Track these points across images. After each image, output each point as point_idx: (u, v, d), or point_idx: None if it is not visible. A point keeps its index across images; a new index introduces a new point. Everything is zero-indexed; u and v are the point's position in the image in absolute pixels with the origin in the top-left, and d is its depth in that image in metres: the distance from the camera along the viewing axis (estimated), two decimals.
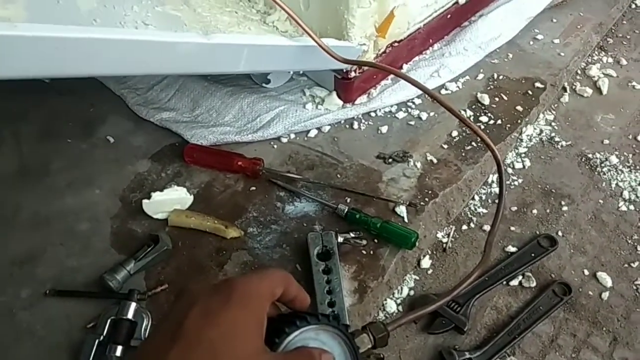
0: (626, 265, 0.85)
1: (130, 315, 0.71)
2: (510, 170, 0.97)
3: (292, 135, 0.96)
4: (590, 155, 0.99)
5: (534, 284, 0.82)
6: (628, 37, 1.25)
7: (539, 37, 1.17)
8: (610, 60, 1.19)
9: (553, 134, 1.03)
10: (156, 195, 0.83)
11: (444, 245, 0.87)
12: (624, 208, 0.92)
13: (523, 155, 1.00)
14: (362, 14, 0.85)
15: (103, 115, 1.00)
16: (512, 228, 0.89)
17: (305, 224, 0.83)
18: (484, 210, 0.91)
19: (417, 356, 0.74)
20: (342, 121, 0.98)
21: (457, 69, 1.06)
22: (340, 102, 0.98)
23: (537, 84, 1.06)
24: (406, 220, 0.83)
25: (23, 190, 0.88)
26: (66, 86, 1.04)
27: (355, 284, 0.77)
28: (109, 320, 0.71)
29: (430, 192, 0.87)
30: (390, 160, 0.92)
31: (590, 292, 0.81)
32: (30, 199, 0.87)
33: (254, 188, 0.88)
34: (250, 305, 0.35)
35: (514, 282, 0.82)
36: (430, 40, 1.09)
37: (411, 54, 1.07)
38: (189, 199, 0.86)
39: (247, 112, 0.97)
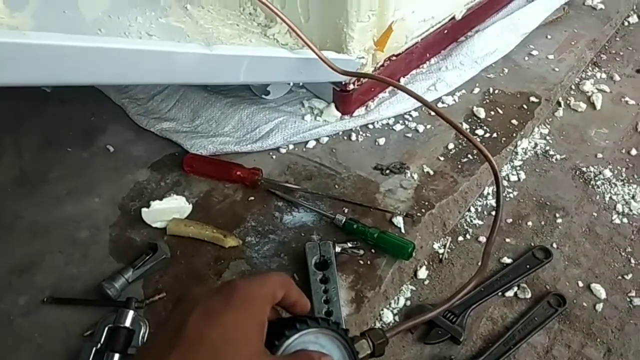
0: (620, 277, 0.85)
1: (127, 323, 0.71)
2: (505, 183, 0.99)
3: (291, 146, 0.97)
4: (584, 169, 1.01)
5: (529, 295, 0.82)
6: (621, 53, 1.27)
7: (534, 52, 1.19)
8: (604, 76, 1.21)
9: (548, 148, 1.05)
10: (155, 204, 0.84)
11: (440, 256, 0.88)
12: (617, 221, 0.93)
13: (518, 168, 1.01)
14: (361, 27, 0.87)
15: (103, 124, 1.01)
16: (508, 240, 0.90)
17: (303, 234, 0.84)
18: (480, 222, 0.92)
19: None
20: (340, 133, 1.00)
21: (453, 82, 1.08)
22: (339, 114, 1.00)
23: (532, 99, 1.08)
24: (403, 231, 0.84)
25: (23, 198, 0.89)
26: (67, 95, 1.06)
27: (353, 294, 0.77)
28: (106, 328, 0.71)
29: (426, 203, 0.88)
30: (387, 171, 0.93)
31: (585, 304, 0.82)
32: (29, 207, 0.88)
33: (252, 198, 0.89)
34: (251, 308, 0.36)
35: (509, 293, 0.83)
36: (428, 55, 1.11)
37: (408, 68, 1.09)
38: (188, 208, 0.86)
39: (246, 122, 0.98)
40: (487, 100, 1.07)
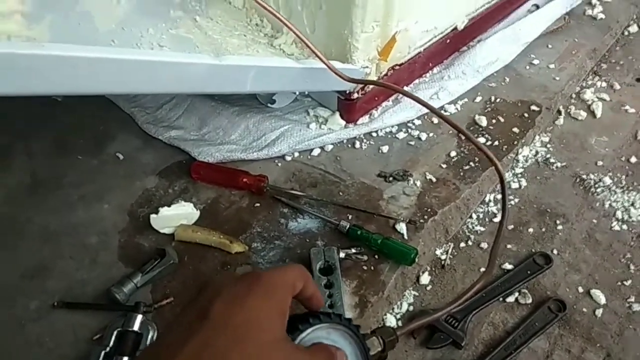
0: (619, 283, 0.87)
1: (136, 327, 0.73)
2: (506, 190, 1.00)
3: (296, 154, 0.99)
4: (584, 176, 1.02)
5: (529, 301, 0.84)
6: (621, 62, 1.29)
7: (535, 62, 1.21)
8: (604, 84, 1.23)
9: (548, 156, 1.06)
10: (164, 211, 0.86)
11: (443, 262, 0.89)
12: (617, 228, 0.94)
13: (519, 175, 1.03)
14: (365, 38, 0.89)
15: (113, 132, 1.03)
16: (509, 246, 0.91)
17: (307, 240, 0.86)
18: (482, 229, 0.94)
19: None
20: (345, 141, 1.02)
21: (455, 91, 1.10)
22: (343, 122, 1.02)
23: (533, 107, 1.10)
24: (406, 237, 0.86)
25: (34, 204, 0.91)
26: (77, 104, 1.08)
27: (356, 299, 0.79)
28: (115, 332, 0.73)
29: (429, 210, 0.90)
30: (390, 178, 0.95)
31: (585, 309, 0.83)
32: (40, 212, 0.90)
33: (258, 204, 0.91)
34: (273, 296, 0.37)
35: (510, 299, 0.84)
36: (430, 64, 1.13)
37: (411, 77, 1.11)
38: (196, 214, 0.88)
39: (252, 131, 1.00)
40: (489, 109, 1.09)
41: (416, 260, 0.82)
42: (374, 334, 0.47)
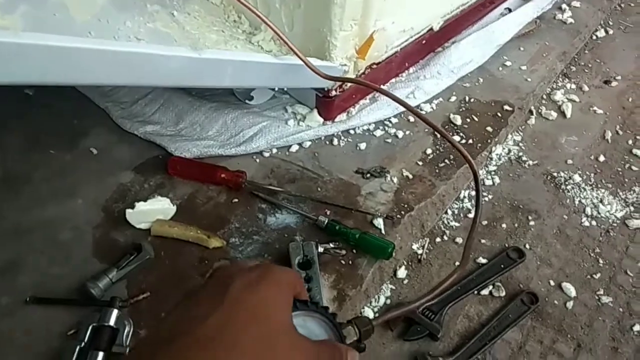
0: (589, 276, 0.90)
1: (112, 322, 0.72)
2: (480, 187, 1.02)
3: (274, 150, 0.99)
4: (555, 174, 1.05)
5: (503, 294, 0.86)
6: (590, 65, 1.33)
7: (508, 63, 1.24)
8: (573, 86, 1.27)
9: (520, 154, 1.09)
10: (140, 205, 0.85)
11: (419, 256, 0.91)
12: (586, 223, 0.97)
13: (493, 172, 1.05)
14: (343, 36, 0.90)
15: (87, 127, 1.02)
16: (483, 241, 0.93)
17: (286, 235, 0.86)
18: (457, 224, 0.96)
19: None
20: (323, 137, 1.02)
21: (431, 91, 1.12)
22: (321, 120, 1.02)
23: (506, 107, 1.12)
24: (383, 232, 0.87)
25: (5, 199, 0.89)
26: (49, 99, 1.06)
27: (335, 293, 0.79)
28: (90, 327, 0.72)
29: (406, 205, 0.91)
30: (368, 175, 0.96)
31: (556, 302, 0.86)
32: (11, 208, 0.87)
33: (236, 200, 0.91)
34: (281, 288, 0.38)
35: (485, 292, 0.86)
36: (406, 64, 1.15)
37: (388, 76, 1.13)
38: (172, 209, 0.87)
39: (230, 127, 1.00)
40: (463, 108, 1.12)
41: (393, 254, 0.83)
42: (350, 323, 0.47)
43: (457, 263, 0.89)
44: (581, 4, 1.45)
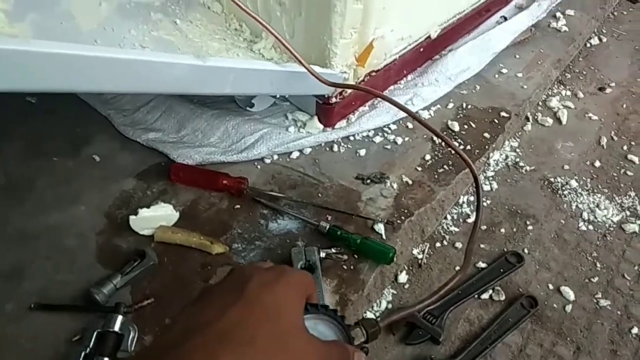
0: (587, 280, 0.91)
1: (116, 327, 0.73)
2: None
3: (275, 157, 1.00)
4: (552, 179, 1.07)
5: (503, 298, 0.87)
6: (584, 72, 1.36)
7: (504, 70, 1.26)
8: (569, 93, 1.29)
9: (518, 160, 1.11)
10: (143, 212, 0.86)
11: (419, 261, 0.92)
12: (583, 228, 0.99)
13: (490, 178, 1.07)
14: (344, 44, 0.91)
15: (89, 135, 1.02)
16: (482, 245, 0.94)
17: (288, 241, 0.87)
18: (456, 229, 0.97)
19: None
20: (323, 144, 1.03)
21: (429, 98, 1.14)
22: (321, 126, 1.04)
23: (503, 114, 1.14)
24: (384, 237, 0.88)
25: (8, 206, 0.89)
26: (52, 106, 1.07)
27: (337, 297, 0.80)
28: (95, 333, 0.72)
29: (406, 211, 0.92)
30: (368, 181, 0.97)
31: (555, 305, 0.87)
32: (15, 214, 0.88)
33: (238, 206, 0.91)
34: (296, 289, 0.40)
35: (485, 296, 0.87)
36: (405, 71, 1.17)
37: (387, 83, 1.14)
38: (175, 215, 0.88)
39: (232, 133, 1.01)
40: (461, 115, 1.13)
41: (394, 259, 0.84)
42: (358, 325, 0.48)
43: (457, 267, 0.90)
44: (575, 12, 1.48)
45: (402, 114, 1.06)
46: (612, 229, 0.99)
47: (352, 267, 0.84)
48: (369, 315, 0.84)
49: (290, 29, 0.95)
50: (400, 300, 0.86)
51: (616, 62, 1.40)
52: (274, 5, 0.93)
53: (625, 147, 1.16)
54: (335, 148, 1.03)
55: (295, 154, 1.01)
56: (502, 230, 0.97)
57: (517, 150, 1.13)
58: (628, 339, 0.83)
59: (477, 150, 1.06)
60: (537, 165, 1.10)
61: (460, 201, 1.02)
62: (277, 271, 0.40)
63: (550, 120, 1.20)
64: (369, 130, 1.07)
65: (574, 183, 1.06)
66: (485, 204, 1.02)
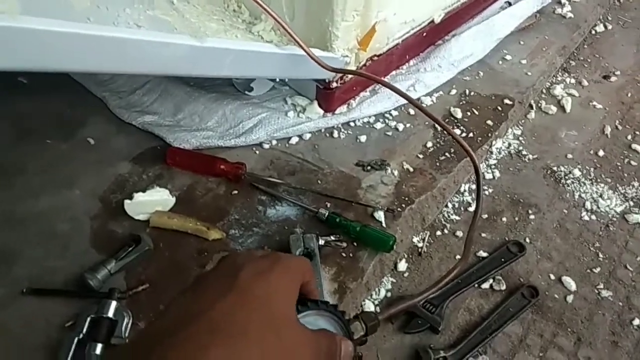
0: (588, 270, 0.90)
1: (110, 313, 0.71)
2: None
3: (274, 142, 0.98)
4: (555, 168, 1.05)
5: (503, 287, 0.86)
6: (589, 60, 1.33)
7: (508, 57, 1.23)
8: (573, 81, 1.27)
9: (520, 148, 1.09)
10: (138, 196, 0.84)
11: (420, 249, 0.90)
12: (586, 218, 0.97)
13: (493, 166, 1.05)
14: (345, 27, 0.89)
15: (83, 117, 1.00)
16: (483, 234, 0.93)
17: (286, 227, 0.85)
18: (457, 217, 0.95)
19: (394, 355, 0.77)
20: (323, 129, 1.01)
21: (431, 84, 1.11)
22: (321, 112, 1.01)
23: (506, 101, 1.12)
24: (384, 225, 0.86)
25: None
26: (44, 87, 1.04)
27: (335, 285, 0.79)
28: (88, 319, 0.71)
29: (406, 198, 0.91)
30: (368, 167, 0.95)
31: (556, 295, 0.86)
32: (6, 198, 0.86)
33: (235, 192, 0.90)
34: (290, 277, 0.39)
35: (485, 285, 0.86)
36: (407, 56, 1.14)
37: (389, 68, 1.12)
38: (171, 200, 0.86)
39: (229, 118, 0.99)
40: (464, 102, 1.11)
41: (394, 247, 0.82)
42: (357, 318, 0.48)
43: (458, 256, 0.89)
44: None
45: (404, 100, 1.04)
46: (615, 219, 0.98)
47: (351, 255, 0.82)
48: (368, 303, 0.82)
49: (290, 10, 0.92)
50: (400, 289, 0.85)
51: (622, 50, 1.38)
52: None
53: (629, 137, 1.14)
54: (335, 134, 1.01)
55: (294, 140, 0.99)
56: (504, 219, 0.96)
57: (520, 138, 1.12)
58: (629, 330, 0.82)
59: (480, 138, 1.04)
60: (540, 154, 1.08)
61: (462, 189, 1.00)
62: (271, 259, 0.39)
63: (554, 108, 1.18)
64: (369, 116, 1.05)
65: (577, 172, 1.05)
66: (487, 192, 1.00)
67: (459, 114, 1.07)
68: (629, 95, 1.25)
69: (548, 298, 0.85)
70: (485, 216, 0.96)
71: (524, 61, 1.23)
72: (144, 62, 0.65)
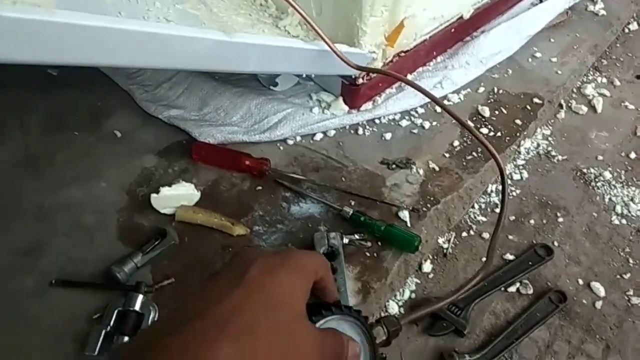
0: (618, 276, 0.88)
1: (137, 307, 0.72)
2: (508, 181, 1.00)
3: (298, 138, 0.98)
4: (585, 170, 1.03)
5: (531, 291, 0.84)
6: (621, 59, 1.30)
7: (538, 55, 1.21)
8: (604, 80, 1.23)
9: (550, 148, 1.07)
10: (165, 190, 0.84)
11: (445, 250, 0.89)
12: (616, 222, 0.95)
13: (521, 167, 1.03)
14: (374, 22, 0.87)
15: (110, 109, 1.01)
16: (510, 237, 0.91)
17: (310, 225, 0.85)
18: (484, 219, 0.94)
19: (418, 357, 0.76)
20: (347, 126, 1.00)
21: (459, 81, 1.09)
22: (346, 108, 1.01)
23: (535, 100, 1.09)
24: (409, 224, 0.85)
25: (28, 180, 0.88)
26: (73, 79, 1.05)
27: (359, 285, 0.78)
28: (115, 312, 0.71)
29: (432, 198, 0.89)
30: (393, 166, 0.94)
31: (585, 301, 0.84)
32: (35, 189, 0.87)
33: (260, 188, 0.89)
34: (301, 274, 0.39)
35: (512, 289, 0.84)
36: (434, 53, 1.13)
37: (415, 65, 1.10)
38: (197, 195, 0.86)
39: (254, 113, 0.98)
40: (492, 100, 1.09)
41: (419, 248, 0.81)
42: (379, 323, 0.49)
43: (483, 258, 0.87)
44: None
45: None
46: None
47: (375, 255, 0.81)
48: (392, 304, 0.82)
49: (317, 5, 0.91)
50: (424, 290, 0.84)
51: None
52: None
53: None
54: (360, 131, 1.00)
55: (318, 136, 0.98)
56: (532, 221, 0.94)
57: (549, 138, 1.09)
58: None
59: (508, 138, 1.02)
60: (569, 155, 1.06)
61: (489, 190, 0.98)
62: (282, 255, 0.39)
63: (584, 108, 1.15)
64: (395, 114, 1.03)
65: (607, 175, 1.02)
66: (514, 193, 0.98)
67: (486, 112, 1.05)
68: None
69: (576, 303, 0.84)
70: (512, 218, 0.94)
71: (554, 59, 1.20)
72: (175, 57, 0.65)
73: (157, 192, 0.84)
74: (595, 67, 1.27)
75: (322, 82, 1.04)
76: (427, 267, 0.86)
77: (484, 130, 1.02)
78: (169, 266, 0.78)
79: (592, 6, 1.36)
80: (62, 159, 0.92)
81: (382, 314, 0.80)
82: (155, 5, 0.72)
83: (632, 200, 0.98)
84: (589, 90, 1.20)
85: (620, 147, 1.09)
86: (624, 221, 0.95)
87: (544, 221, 0.94)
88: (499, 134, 1.02)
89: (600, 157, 1.06)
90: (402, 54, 1.02)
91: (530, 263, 0.87)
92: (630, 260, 0.89)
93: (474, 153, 0.97)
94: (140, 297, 0.72)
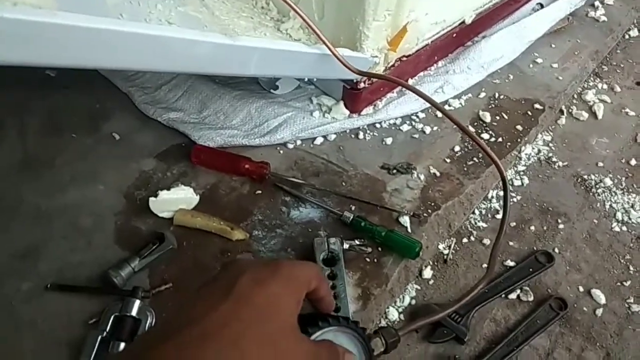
0: (619, 283, 0.87)
1: (134, 312, 0.71)
2: (509, 187, 1.00)
3: (299, 142, 0.97)
4: (585, 177, 1.03)
5: (531, 298, 0.84)
6: (622, 65, 1.30)
7: (539, 60, 1.20)
8: (605, 86, 1.23)
9: (550, 154, 1.06)
10: (163, 194, 0.83)
11: (445, 256, 0.88)
12: (617, 229, 0.95)
13: (522, 173, 1.03)
14: (376, 26, 0.87)
15: (109, 112, 1.00)
16: (511, 243, 0.91)
17: (310, 230, 0.84)
18: (484, 225, 0.93)
19: None
20: (348, 130, 1.00)
21: (460, 86, 1.09)
22: (347, 112, 1.00)
23: (536, 106, 1.09)
24: (409, 230, 0.85)
25: (26, 182, 0.87)
26: (71, 81, 1.04)
27: (359, 291, 0.78)
28: (112, 317, 0.71)
29: (432, 204, 0.89)
30: (394, 171, 0.94)
31: (585, 308, 0.83)
32: (32, 192, 0.86)
33: (259, 192, 0.89)
34: (292, 285, 0.38)
35: (513, 296, 0.84)
36: (436, 57, 1.12)
37: (417, 70, 1.10)
38: (195, 199, 0.86)
39: (254, 116, 0.98)
40: (493, 105, 1.09)
41: (420, 254, 0.81)
42: (377, 334, 0.48)
43: (484, 265, 0.87)
44: (614, 1, 1.41)
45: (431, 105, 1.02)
46: None
47: (375, 260, 0.81)
48: (392, 310, 0.81)
49: (320, 9, 0.91)
50: (424, 297, 0.83)
51: None
52: None
53: None
54: (361, 135, 0.99)
55: (319, 140, 0.98)
56: (532, 227, 0.93)
57: (550, 144, 1.09)
58: None
59: (509, 143, 1.02)
60: (570, 161, 1.05)
61: (490, 196, 0.98)
62: (273, 266, 0.38)
63: (585, 115, 1.15)
64: (396, 118, 1.03)
65: (608, 181, 1.02)
66: (515, 199, 0.98)
67: (487, 117, 1.05)
68: None
69: (577, 311, 0.83)
70: (513, 224, 0.94)
71: (555, 65, 1.20)
72: (176, 60, 0.64)
73: (156, 195, 0.83)
74: (596, 73, 1.27)
75: (323, 86, 1.04)
76: (427, 273, 0.85)
77: (485, 136, 1.02)
78: (167, 271, 0.78)
79: (593, 12, 1.36)
80: (59, 161, 0.91)
81: (382, 321, 0.80)
82: (157, 7, 0.71)
83: (632, 207, 0.98)
84: (590, 96, 1.19)
85: (621, 153, 1.08)
86: (624, 228, 0.95)
87: (545, 227, 0.93)
88: (499, 139, 1.02)
89: (600, 164, 1.05)
90: (404, 59, 1.01)
91: (530, 270, 0.86)
92: (631, 268, 0.89)
93: (474, 158, 0.97)
94: (137, 302, 0.71)
